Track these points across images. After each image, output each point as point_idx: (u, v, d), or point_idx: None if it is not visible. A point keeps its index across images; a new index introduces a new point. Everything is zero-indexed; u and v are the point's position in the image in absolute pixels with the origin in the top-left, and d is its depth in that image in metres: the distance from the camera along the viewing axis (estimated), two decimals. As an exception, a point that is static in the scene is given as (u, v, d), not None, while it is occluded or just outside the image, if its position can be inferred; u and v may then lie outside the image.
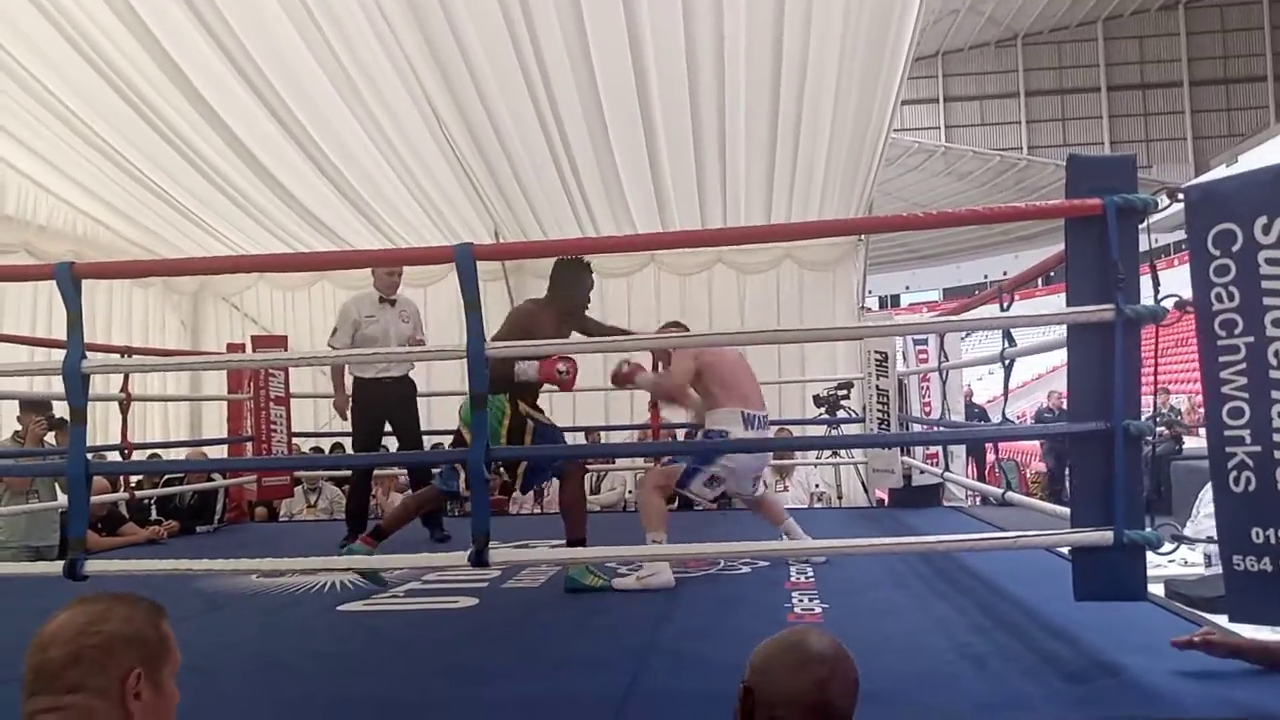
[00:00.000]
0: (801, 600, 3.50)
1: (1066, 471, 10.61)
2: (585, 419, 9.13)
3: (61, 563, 2.80)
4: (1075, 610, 2.76)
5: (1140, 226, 2.60)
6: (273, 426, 6.34)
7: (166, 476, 6.42)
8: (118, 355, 5.57)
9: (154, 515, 6.16)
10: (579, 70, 6.49)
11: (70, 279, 2.82)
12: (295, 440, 6.92)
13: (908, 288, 36.83)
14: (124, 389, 5.72)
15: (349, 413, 5.59)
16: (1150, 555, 2.58)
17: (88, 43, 6.09)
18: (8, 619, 3.64)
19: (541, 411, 4.22)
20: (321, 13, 5.98)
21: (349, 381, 5.63)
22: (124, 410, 5.73)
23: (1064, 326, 2.65)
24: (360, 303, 5.44)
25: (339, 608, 3.70)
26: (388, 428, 5.54)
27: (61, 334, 4.00)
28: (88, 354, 2.90)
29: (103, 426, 7.83)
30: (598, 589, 3.82)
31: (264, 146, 7.37)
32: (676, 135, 7.28)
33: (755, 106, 6.90)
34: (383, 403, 5.39)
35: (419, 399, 5.74)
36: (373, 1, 5.92)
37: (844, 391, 7.59)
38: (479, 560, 2.72)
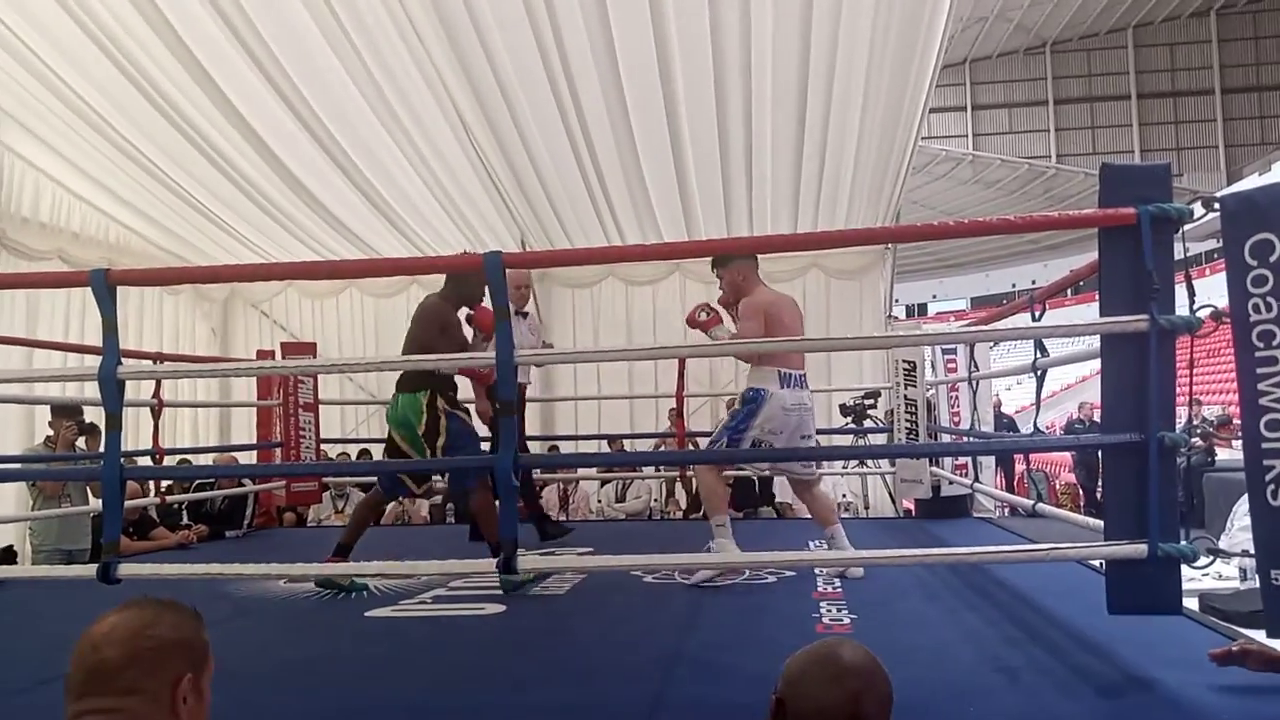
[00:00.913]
0: (830, 611, 3.47)
1: (1098, 485, 10.50)
2: (609, 427, 9.16)
3: (95, 566, 2.82)
4: (1108, 624, 2.73)
5: (1174, 236, 2.57)
6: (301, 433, 6.39)
7: (197, 481, 6.48)
8: (150, 362, 5.63)
9: (184, 520, 6.22)
10: (606, 79, 6.51)
11: (106, 286, 2.85)
12: (323, 446, 6.96)
13: (935, 296, 36.61)
14: (156, 395, 5.78)
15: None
16: (1184, 569, 2.54)
17: (121, 52, 6.17)
18: (43, 621, 3.70)
19: (463, 408, 4.32)
20: (351, 23, 6.03)
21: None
22: (156, 416, 5.79)
23: (1095, 337, 2.62)
24: None
25: (366, 613, 3.72)
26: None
27: (93, 340, 4.07)
28: (122, 360, 2.93)
29: (134, 432, 7.93)
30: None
31: (293, 155, 7.45)
32: (703, 143, 7.29)
33: (782, 114, 6.90)
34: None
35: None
36: (402, 11, 5.97)
37: (870, 401, 7.56)
38: (508, 568, 2.72)
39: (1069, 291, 25.47)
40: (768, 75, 6.46)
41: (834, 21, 5.98)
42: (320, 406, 6.72)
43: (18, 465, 5.78)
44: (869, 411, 7.48)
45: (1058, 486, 13.70)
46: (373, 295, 9.88)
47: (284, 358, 6.73)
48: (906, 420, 6.08)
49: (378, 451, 8.98)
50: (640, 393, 9.03)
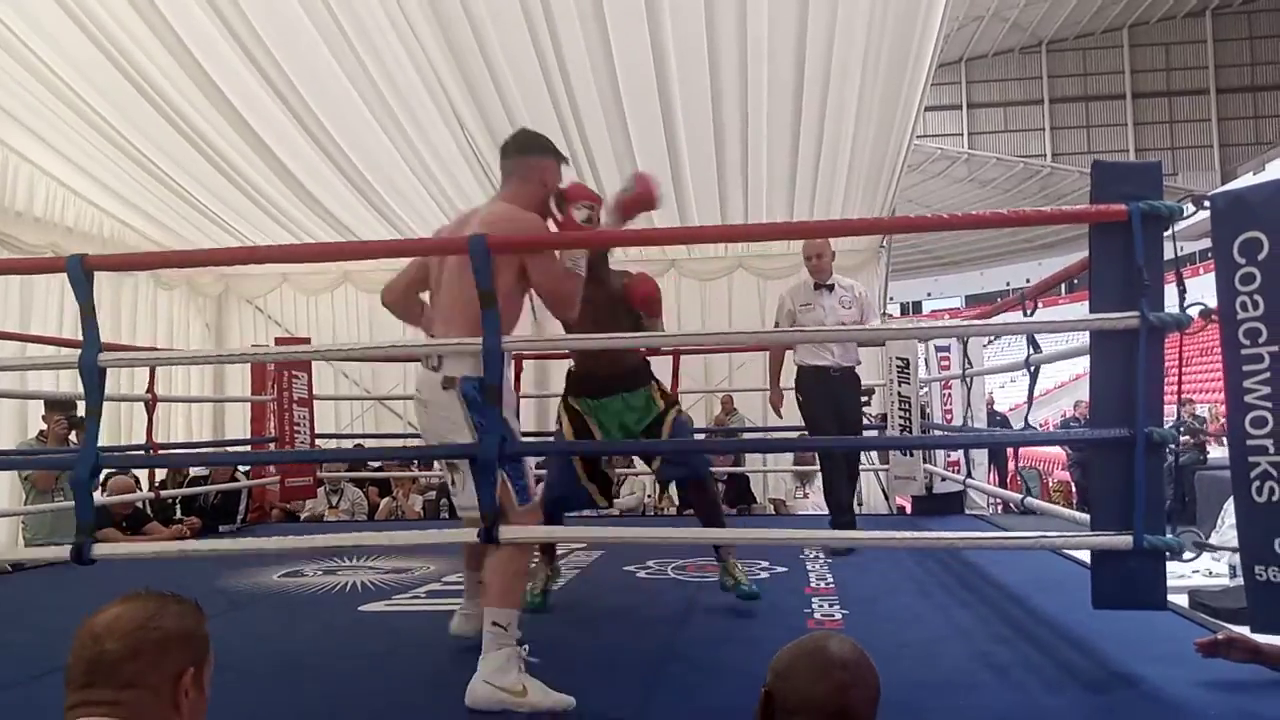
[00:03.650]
0: (821, 606, 3.49)
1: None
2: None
3: (69, 547, 2.78)
4: (1097, 620, 2.74)
5: (1165, 234, 2.59)
6: (296, 428, 6.39)
7: (191, 476, 6.48)
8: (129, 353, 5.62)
9: (178, 514, 6.22)
10: (600, 73, 6.51)
11: (82, 271, 2.77)
12: (318, 442, 6.96)
13: (929, 294, 36.66)
14: (150, 389, 5.78)
15: (799, 403, 5.17)
16: (1175, 566, 2.56)
17: (115, 46, 6.16)
18: (36, 614, 3.70)
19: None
20: (345, 15, 6.02)
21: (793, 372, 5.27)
22: (149, 410, 5.78)
23: (1086, 334, 2.64)
24: (795, 292, 5.20)
25: (360, 608, 3.73)
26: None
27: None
28: (103, 349, 2.90)
29: (127, 428, 7.92)
30: None
31: (286, 147, 7.43)
32: (698, 142, 7.29)
33: (778, 112, 6.90)
34: (828, 391, 5.00)
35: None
36: (395, 3, 5.96)
37: (865, 398, 7.56)
38: (488, 537, 2.58)
39: (1063, 289, 25.50)
40: (763, 72, 6.46)
41: (829, 19, 5.98)
42: (315, 402, 6.72)
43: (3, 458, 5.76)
44: (863, 409, 7.49)
45: (1050, 484, 13.74)
46: (367, 291, 9.85)
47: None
48: (900, 417, 6.10)
49: (372, 447, 9.00)
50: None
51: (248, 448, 6.85)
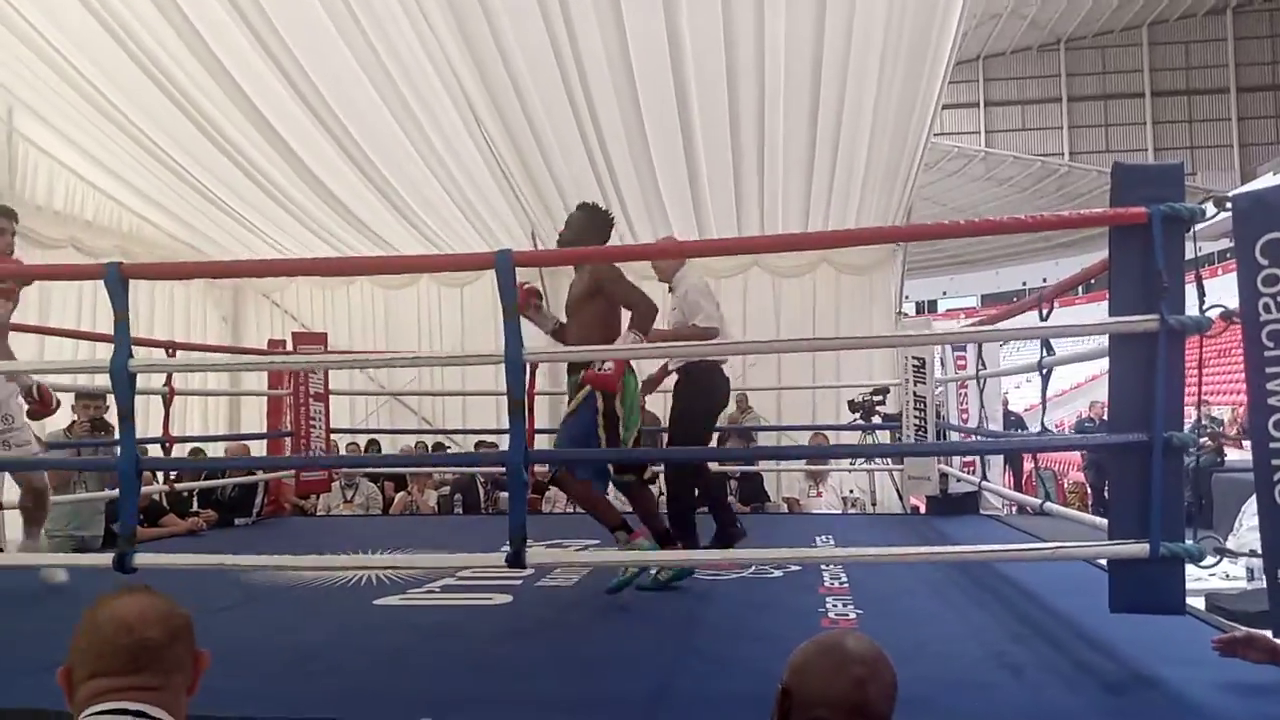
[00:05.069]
0: (836, 605, 3.48)
1: (1107, 485, 10.47)
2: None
3: (110, 555, 2.85)
4: (1114, 622, 2.73)
5: (1186, 235, 2.57)
6: (311, 423, 6.42)
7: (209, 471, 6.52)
8: (163, 352, 5.66)
9: (194, 507, 6.26)
10: (618, 74, 6.52)
11: (119, 279, 2.86)
12: (333, 436, 7.00)
13: (945, 293, 36.46)
14: (167, 384, 5.81)
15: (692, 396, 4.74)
16: (1192, 569, 2.55)
17: (134, 41, 6.21)
18: (46, 604, 3.73)
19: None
20: (365, 15, 6.05)
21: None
22: (167, 405, 5.81)
23: (1105, 335, 2.62)
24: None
25: (375, 602, 3.74)
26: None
27: (105, 328, 4.09)
28: (134, 352, 2.95)
29: (143, 419, 7.96)
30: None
31: (306, 147, 7.48)
32: (715, 138, 7.29)
33: (795, 109, 6.89)
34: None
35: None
36: (416, 7, 5.99)
37: (879, 397, 7.56)
38: (516, 560, 2.74)
39: (1079, 290, 25.35)
40: (780, 70, 6.46)
41: (847, 17, 5.97)
42: (330, 397, 6.75)
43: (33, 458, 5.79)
44: (877, 408, 7.48)
45: (1066, 485, 13.67)
46: (383, 287, 9.92)
47: (295, 348, 6.76)
48: (915, 417, 6.08)
49: (387, 443, 9.04)
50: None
51: (264, 442, 6.89)
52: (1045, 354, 3.87)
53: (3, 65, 6.80)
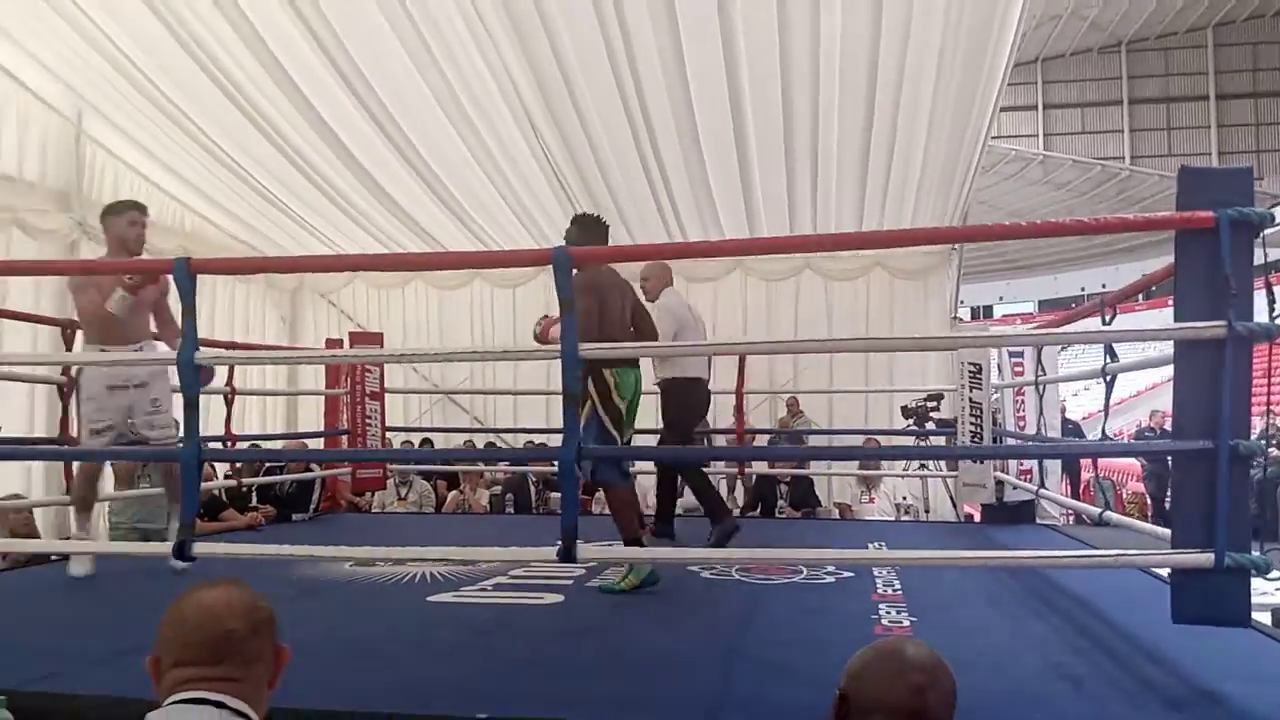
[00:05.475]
0: (889, 613, 3.45)
1: (1168, 496, 10.24)
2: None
3: (170, 544, 2.92)
4: (1176, 635, 2.68)
5: (1254, 240, 2.52)
6: (368, 421, 6.52)
7: (267, 466, 6.64)
8: (225, 350, 5.79)
9: (253, 503, 6.38)
10: (671, 76, 6.52)
11: (187, 274, 2.95)
12: (388, 435, 7.09)
13: (1001, 298, 35.90)
14: (229, 383, 5.94)
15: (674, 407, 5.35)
16: (1257, 582, 2.49)
17: (199, 45, 6.35)
18: (115, 596, 3.84)
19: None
20: (423, 20, 6.13)
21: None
22: (229, 403, 5.94)
23: (1167, 343, 2.58)
24: None
25: (429, 598, 3.79)
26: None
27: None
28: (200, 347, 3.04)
29: (203, 418, 8.13)
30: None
31: (363, 149, 7.59)
32: (768, 139, 7.26)
33: (849, 111, 6.84)
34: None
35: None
36: (473, 11, 6.05)
37: (933, 403, 7.47)
38: (567, 556, 2.76)
39: (1140, 296, 24.83)
40: (835, 71, 6.40)
41: (905, 17, 5.91)
42: (385, 396, 6.84)
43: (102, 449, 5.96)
44: (932, 414, 7.40)
45: (1125, 496, 13.40)
46: (437, 288, 10.03)
47: (352, 348, 6.86)
48: (971, 424, 6.00)
49: (440, 441, 9.14)
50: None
51: (321, 440, 7.01)
52: (1109, 360, 3.79)
53: (73, 70, 7.01)
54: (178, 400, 3.25)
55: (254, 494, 6.50)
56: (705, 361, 5.46)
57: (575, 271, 4.12)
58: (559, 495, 5.30)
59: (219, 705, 1.29)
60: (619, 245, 8.45)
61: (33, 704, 2.23)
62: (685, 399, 5.26)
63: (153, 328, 4.35)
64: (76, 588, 4.07)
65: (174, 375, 4.02)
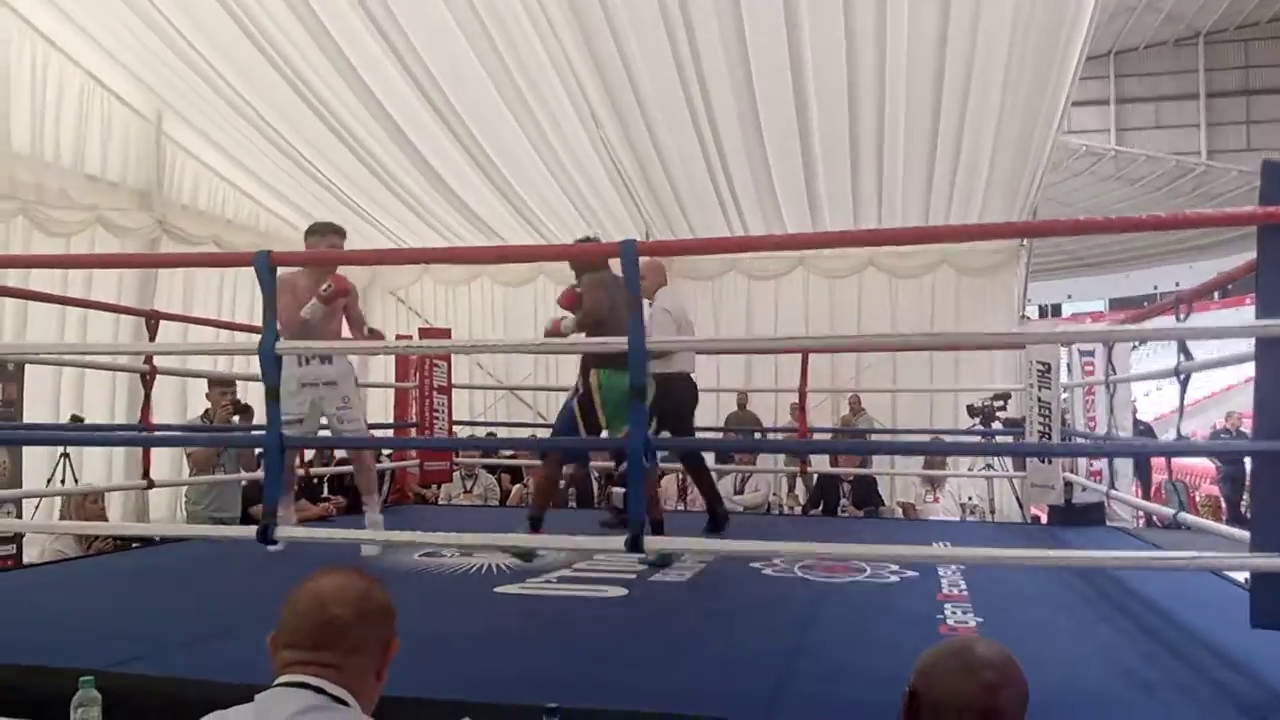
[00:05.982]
0: (955, 613, 3.41)
1: (1243, 499, 9.94)
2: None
3: (254, 527, 3.02)
4: (1251, 640, 2.61)
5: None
6: (435, 414, 6.63)
7: (340, 458, 6.77)
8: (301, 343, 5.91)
9: (325, 493, 6.52)
10: (735, 72, 6.52)
11: (268, 267, 3.04)
12: (455, 428, 7.20)
13: (1070, 297, 35.02)
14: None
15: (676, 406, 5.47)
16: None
17: (273, 47, 6.52)
18: (196, 581, 3.96)
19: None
20: (490, 20, 6.21)
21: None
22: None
23: (1243, 343, 2.52)
24: None
25: (495, 589, 3.84)
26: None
27: (240, 318, 4.30)
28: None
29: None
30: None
31: (430, 147, 7.72)
32: (833, 135, 7.22)
33: (916, 106, 6.77)
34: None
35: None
36: (538, 7, 6.11)
37: (1000, 402, 7.35)
38: (635, 546, 2.79)
39: (1215, 295, 24.09)
40: (902, 64, 6.34)
41: (973, 12, 5.84)
42: (452, 390, 6.95)
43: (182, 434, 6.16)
44: (998, 413, 7.28)
45: (1197, 499, 13.02)
46: (502, 284, 10.16)
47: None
48: (1040, 424, 5.88)
49: (504, 434, 9.24)
50: (759, 386, 9.01)
51: (390, 432, 7.14)
52: (1183, 358, 3.70)
53: (153, 72, 7.24)
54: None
55: (325, 485, 6.65)
56: (694, 358, 5.66)
57: (588, 271, 4.65)
58: (620, 490, 5.38)
59: (318, 690, 1.30)
60: (689, 239, 8.51)
61: (119, 684, 2.31)
62: (681, 393, 5.37)
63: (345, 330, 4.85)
64: (164, 573, 4.20)
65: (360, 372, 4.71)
